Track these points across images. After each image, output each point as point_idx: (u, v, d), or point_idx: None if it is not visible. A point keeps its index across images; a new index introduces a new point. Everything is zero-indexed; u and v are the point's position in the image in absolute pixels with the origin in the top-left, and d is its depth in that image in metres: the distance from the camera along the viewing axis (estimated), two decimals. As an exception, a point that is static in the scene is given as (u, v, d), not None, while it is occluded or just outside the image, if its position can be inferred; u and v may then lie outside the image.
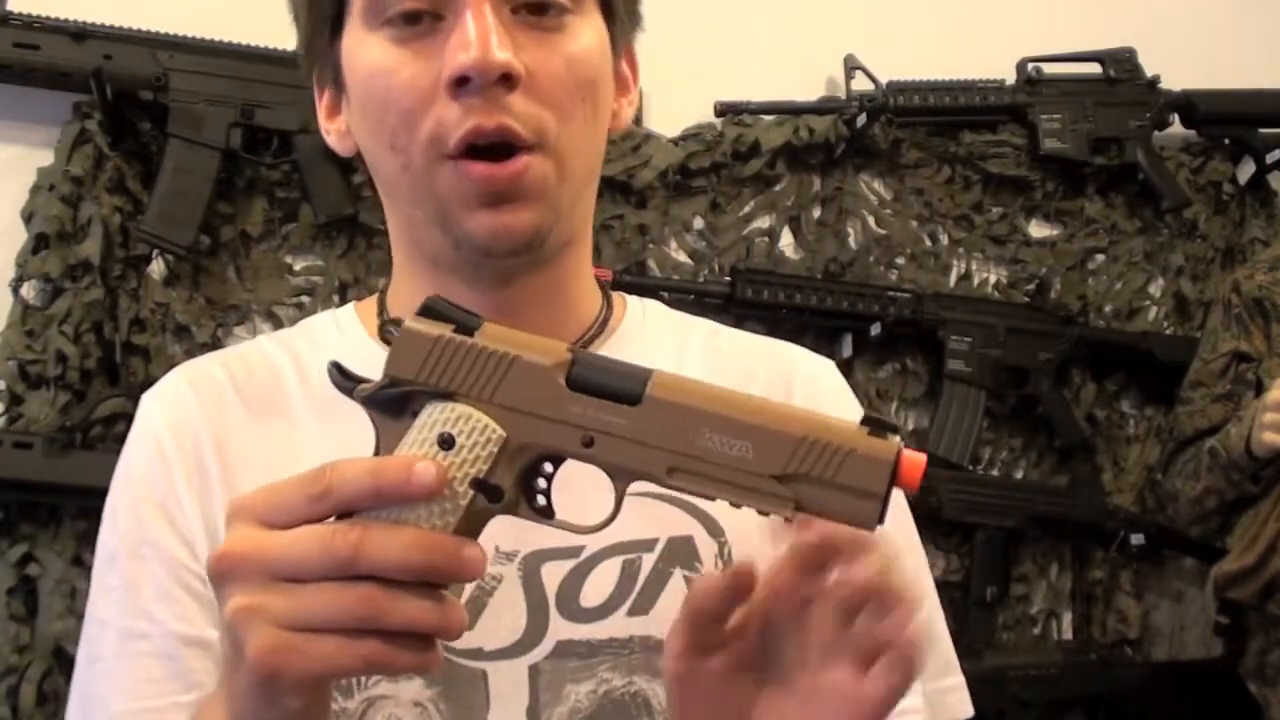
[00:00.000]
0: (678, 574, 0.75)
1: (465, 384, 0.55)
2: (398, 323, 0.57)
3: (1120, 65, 2.17)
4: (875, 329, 1.99)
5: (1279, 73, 2.22)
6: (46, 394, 1.65)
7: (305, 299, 1.81)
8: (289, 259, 1.82)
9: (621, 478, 0.56)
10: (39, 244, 1.69)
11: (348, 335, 0.82)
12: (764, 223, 2.05)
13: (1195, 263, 2.21)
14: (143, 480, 0.77)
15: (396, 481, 0.52)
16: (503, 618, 0.73)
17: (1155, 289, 2.21)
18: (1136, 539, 2.04)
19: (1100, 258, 2.20)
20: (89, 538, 1.62)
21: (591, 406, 0.55)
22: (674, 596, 0.74)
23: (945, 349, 2.03)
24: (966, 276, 2.14)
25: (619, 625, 0.74)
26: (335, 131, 0.80)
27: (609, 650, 0.73)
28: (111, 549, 0.77)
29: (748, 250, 2.02)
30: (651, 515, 0.74)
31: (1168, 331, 2.19)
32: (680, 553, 0.75)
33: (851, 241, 2.08)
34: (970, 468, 2.05)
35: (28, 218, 1.71)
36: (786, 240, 2.07)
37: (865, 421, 0.54)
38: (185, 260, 1.74)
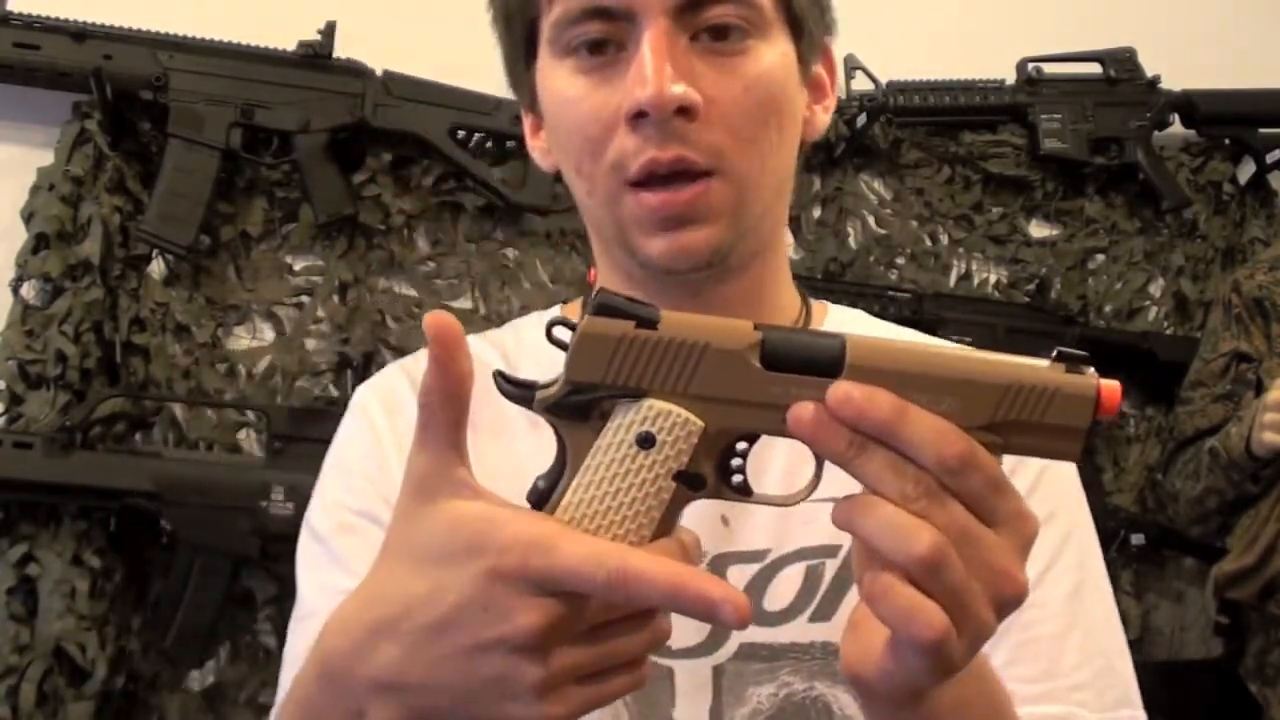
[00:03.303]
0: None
1: (656, 379, 0.54)
2: (563, 323, 0.55)
3: (1120, 65, 2.17)
4: (875, 329, 1.99)
5: (1279, 73, 2.22)
6: (46, 394, 1.65)
7: (305, 299, 1.81)
8: (289, 259, 1.82)
9: None
10: (39, 244, 1.69)
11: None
12: (764, 223, 2.04)
13: (1195, 263, 2.21)
14: (358, 458, 0.80)
15: (697, 611, 0.52)
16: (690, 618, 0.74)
17: (1155, 289, 2.21)
18: (1136, 539, 2.04)
19: (1100, 258, 2.20)
20: (89, 538, 1.62)
21: (791, 384, 0.54)
22: (855, 604, 0.73)
23: (945, 349, 2.02)
24: (966, 276, 2.14)
25: (801, 630, 0.75)
26: (539, 149, 0.83)
27: (791, 654, 0.75)
28: (321, 523, 0.80)
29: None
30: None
31: (1168, 331, 2.19)
32: None
33: (851, 241, 2.08)
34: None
35: (28, 218, 1.71)
36: (786, 240, 2.06)
37: (1059, 358, 0.55)
38: (185, 260, 1.74)
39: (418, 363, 0.84)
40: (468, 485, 0.55)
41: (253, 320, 1.80)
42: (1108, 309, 2.19)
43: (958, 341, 2.00)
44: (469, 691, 0.53)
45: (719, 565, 0.76)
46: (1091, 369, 0.55)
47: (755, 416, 0.54)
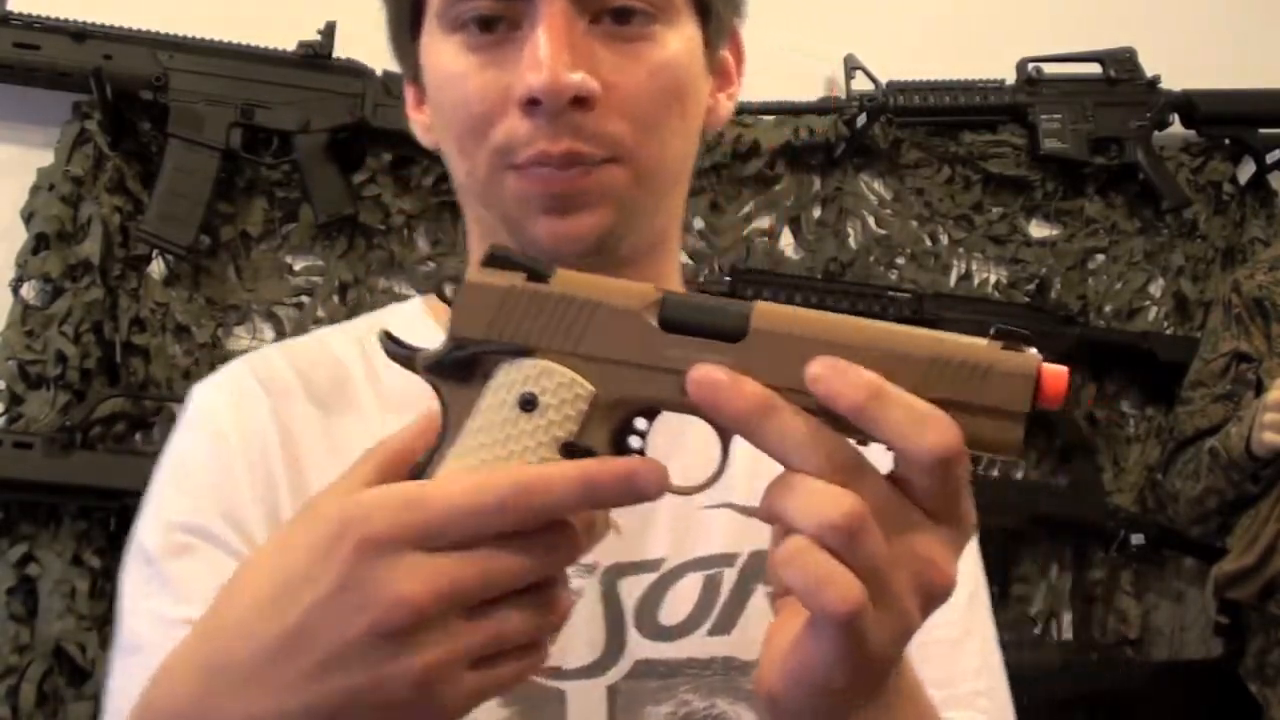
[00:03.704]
0: (759, 591, 0.72)
1: (544, 337, 0.50)
2: (457, 279, 0.51)
3: (1120, 65, 2.17)
4: (875, 329, 1.99)
5: (1279, 73, 2.22)
6: (46, 394, 1.65)
7: (305, 299, 1.81)
8: (289, 259, 1.82)
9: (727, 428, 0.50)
10: (39, 244, 1.69)
11: (416, 329, 0.75)
12: (764, 223, 2.05)
13: (1195, 263, 2.21)
14: (201, 471, 0.71)
15: (615, 491, 0.47)
16: (581, 635, 0.70)
17: (1155, 289, 2.21)
18: (1136, 539, 2.04)
19: (1100, 258, 2.20)
20: (89, 538, 1.62)
21: (690, 347, 0.49)
22: (756, 615, 0.71)
23: (945, 349, 2.03)
24: (966, 276, 2.14)
25: (700, 644, 0.71)
26: (420, 123, 0.79)
27: (690, 670, 0.70)
28: (152, 542, 0.70)
29: (748, 250, 2.02)
30: (731, 528, 0.72)
31: (1168, 331, 2.19)
32: (762, 568, 0.71)
33: (851, 241, 2.08)
34: (970, 467, 2.04)
35: (28, 218, 1.71)
36: (786, 240, 2.07)
37: (997, 335, 0.49)
38: (185, 260, 1.74)
39: (265, 360, 0.77)
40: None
41: (253, 320, 1.80)
42: (1108, 309, 2.19)
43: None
44: (335, 710, 0.47)
45: (611, 576, 0.71)
46: (1034, 349, 0.49)
47: (651, 383, 0.49)
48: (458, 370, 0.50)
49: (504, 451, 0.49)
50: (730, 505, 0.70)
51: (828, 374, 0.47)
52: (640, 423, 0.51)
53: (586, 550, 0.50)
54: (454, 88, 0.70)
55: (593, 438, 0.50)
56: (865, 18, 2.15)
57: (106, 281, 1.70)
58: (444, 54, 0.70)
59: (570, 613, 0.51)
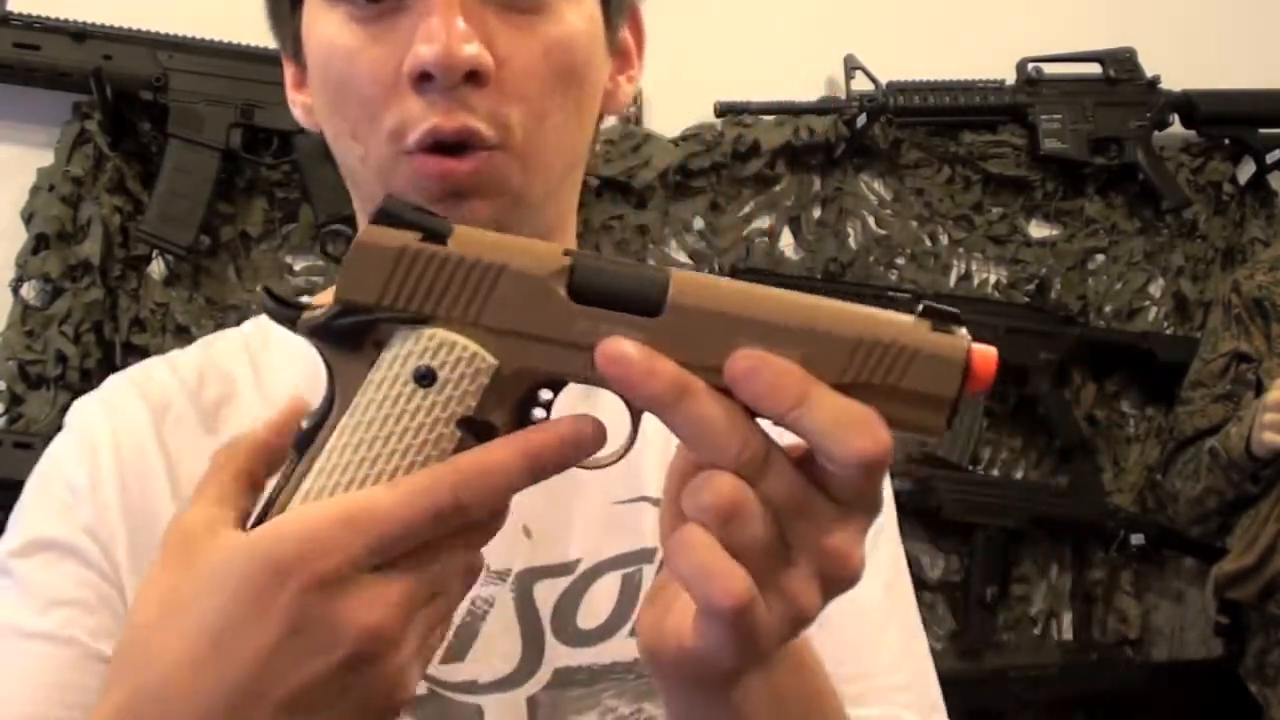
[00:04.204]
0: None
1: (442, 304, 0.45)
2: (347, 238, 0.49)
3: (1120, 65, 2.17)
4: (875, 329, 1.99)
5: (1279, 73, 2.22)
6: (46, 394, 1.65)
7: (305, 299, 1.81)
8: (289, 259, 1.82)
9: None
10: (39, 244, 1.69)
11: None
12: (764, 223, 2.05)
13: (1195, 263, 2.21)
14: (69, 488, 0.67)
15: (561, 457, 0.45)
16: (496, 646, 0.67)
17: (1155, 289, 2.21)
18: (1136, 539, 2.04)
19: (1100, 258, 2.20)
20: (89, 538, 1.62)
21: (601, 320, 0.45)
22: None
23: (945, 349, 2.03)
24: (966, 276, 2.14)
25: (622, 647, 0.67)
26: (301, 104, 0.74)
27: (613, 675, 0.67)
28: (8, 552, 0.67)
29: (748, 250, 2.02)
30: (648, 523, 0.70)
31: (1168, 331, 2.19)
32: None
33: (851, 241, 2.08)
34: (970, 468, 2.05)
35: (28, 218, 1.71)
36: (786, 240, 2.07)
37: (925, 313, 0.46)
38: (185, 260, 1.74)
39: (146, 373, 0.73)
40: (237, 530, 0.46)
41: (253, 320, 1.80)
42: (1108, 309, 2.19)
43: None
44: None
45: (525, 582, 0.67)
46: (964, 330, 0.46)
47: (558, 357, 0.46)
48: (346, 338, 0.46)
49: (398, 428, 0.46)
50: (645, 499, 0.68)
51: (750, 375, 0.45)
52: (545, 394, 0.47)
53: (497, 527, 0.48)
54: (341, 65, 0.65)
55: (493, 412, 0.46)
56: (865, 18, 2.15)
57: (106, 281, 1.70)
58: (328, 27, 0.65)
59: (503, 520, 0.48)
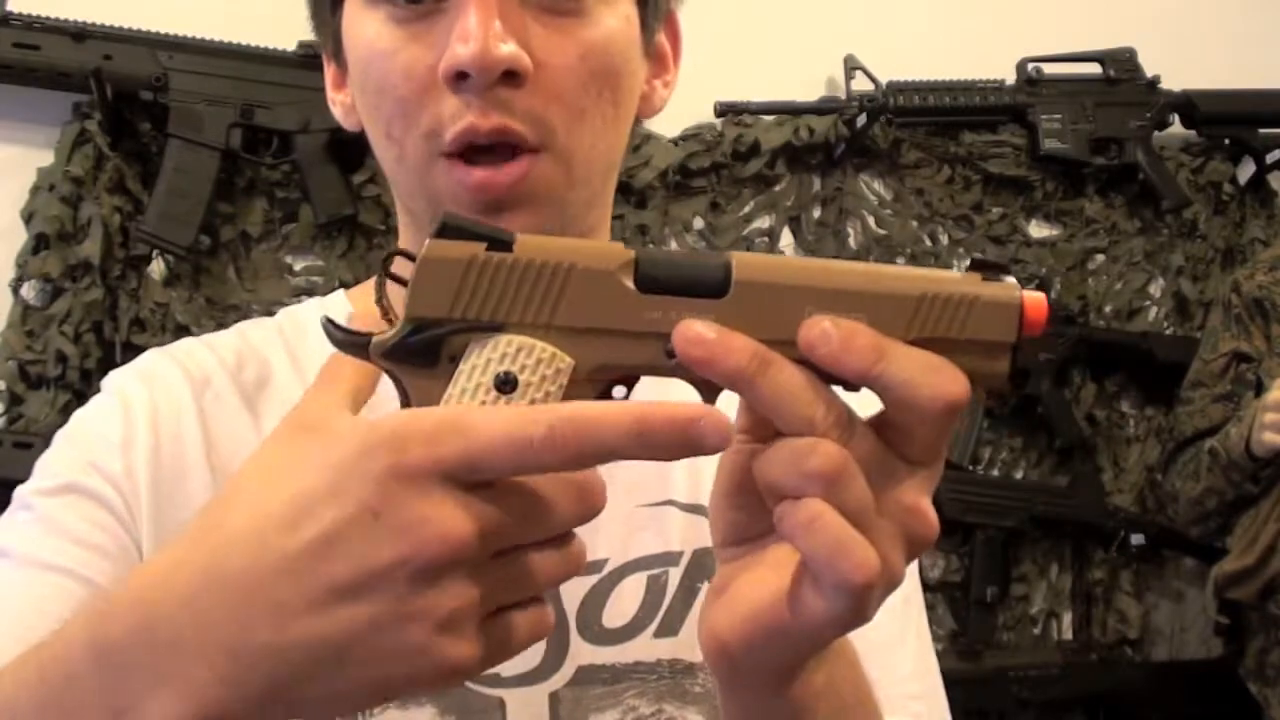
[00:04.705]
0: (704, 590, 0.69)
1: (515, 310, 0.46)
2: (408, 255, 0.46)
3: (1120, 65, 2.17)
4: (875, 329, 1.99)
5: (1279, 73, 2.22)
6: (46, 394, 1.65)
7: (305, 299, 1.81)
8: (289, 259, 1.82)
9: (713, 388, 0.47)
10: (39, 244, 1.69)
11: (335, 318, 0.76)
12: (764, 223, 2.05)
13: (1195, 263, 2.21)
14: (100, 441, 0.68)
15: (670, 439, 0.42)
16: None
17: (1155, 289, 2.21)
18: (1136, 539, 2.05)
19: (1100, 258, 2.20)
20: (89, 538, 1.62)
21: (670, 307, 0.46)
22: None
23: (945, 349, 2.03)
24: (967, 277, 2.14)
25: (645, 648, 0.68)
26: (341, 104, 0.74)
27: (635, 675, 0.68)
28: (25, 494, 0.67)
29: (747, 250, 2.02)
30: (675, 527, 0.70)
31: (1168, 331, 2.19)
32: (707, 566, 0.69)
33: (851, 241, 2.08)
34: (970, 468, 2.05)
35: (28, 218, 1.71)
36: (786, 240, 2.07)
37: (974, 266, 0.48)
38: (185, 260, 1.74)
39: (185, 350, 0.74)
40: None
41: (253, 320, 1.80)
42: (1108, 309, 2.19)
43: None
44: (342, 645, 0.41)
45: None
46: (1011, 278, 0.48)
47: (632, 349, 0.46)
48: (419, 355, 0.46)
49: None
50: (672, 503, 0.69)
51: (825, 339, 0.45)
52: (619, 390, 0.48)
53: (581, 562, 0.46)
54: (379, 66, 0.65)
55: None
56: (865, 18, 2.15)
57: (106, 281, 1.70)
58: (368, 28, 0.66)
59: (585, 558, 0.46)
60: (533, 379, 0.45)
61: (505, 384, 0.45)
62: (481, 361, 0.45)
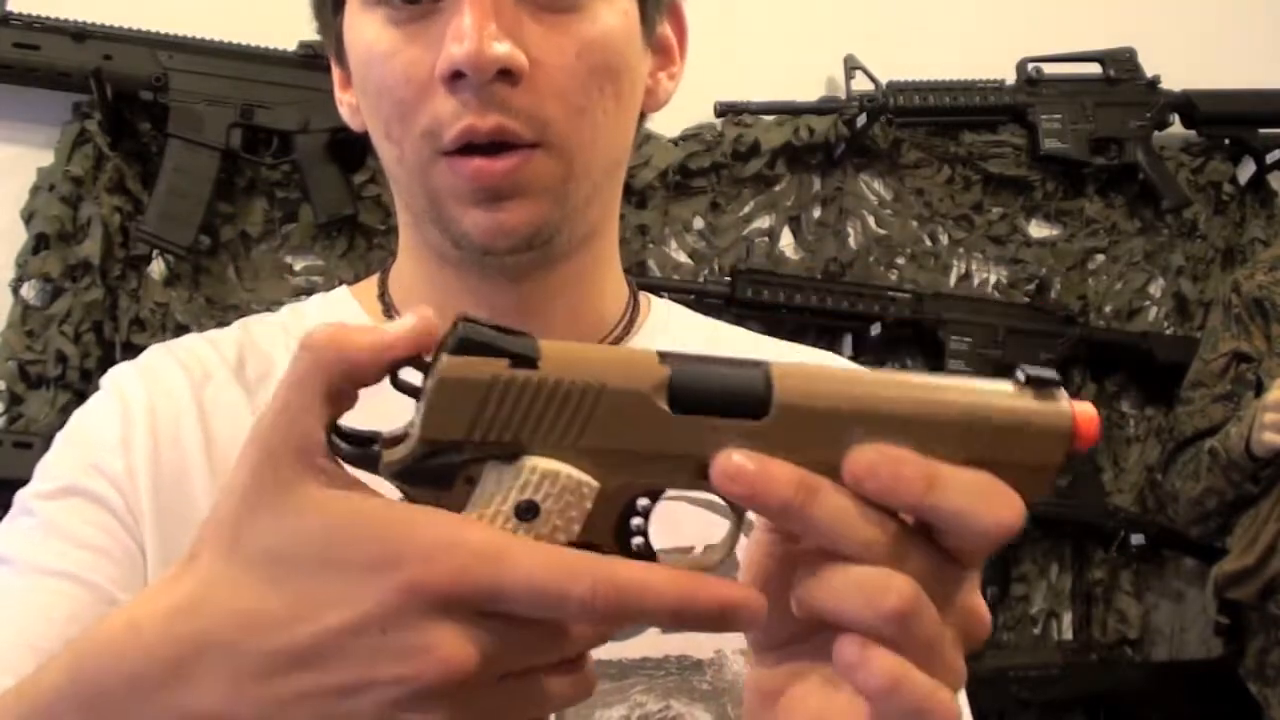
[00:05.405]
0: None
1: (538, 432, 0.42)
2: (414, 363, 0.43)
3: (1120, 65, 2.17)
4: (875, 329, 2.00)
5: (1279, 73, 2.22)
6: (46, 394, 1.65)
7: (305, 299, 1.81)
8: (289, 259, 1.82)
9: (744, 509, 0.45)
10: (39, 244, 1.69)
11: (342, 317, 0.74)
12: (764, 223, 2.05)
13: (1195, 263, 2.21)
14: (100, 443, 0.67)
15: (709, 618, 0.41)
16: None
17: (1155, 289, 2.21)
18: (1136, 539, 2.04)
19: (1100, 258, 2.20)
20: (89, 538, 1.62)
21: (705, 428, 0.43)
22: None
23: (945, 349, 2.03)
24: (966, 276, 2.14)
25: (653, 643, 0.66)
26: (347, 105, 0.74)
27: (643, 671, 0.66)
28: (26, 499, 0.67)
29: (748, 250, 2.02)
30: (684, 519, 0.68)
31: (1168, 331, 2.19)
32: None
33: (851, 241, 2.08)
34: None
35: (28, 218, 1.71)
36: (786, 240, 2.07)
37: (1028, 382, 0.46)
38: (185, 260, 1.74)
39: (185, 346, 0.73)
40: (339, 474, 0.42)
41: (253, 320, 1.80)
42: (1108, 309, 2.19)
43: (957, 341, 2.03)
44: None
45: None
46: (1062, 390, 0.46)
47: (662, 470, 0.44)
48: (434, 479, 0.42)
49: None
50: (680, 498, 0.68)
51: (874, 471, 0.43)
52: (643, 501, 0.45)
53: (589, 692, 0.45)
54: (378, 67, 0.65)
55: (596, 533, 0.44)
56: (865, 18, 2.15)
57: (106, 281, 1.70)
58: (367, 30, 0.66)
59: (594, 689, 0.44)
60: (555, 507, 0.42)
61: (527, 512, 0.42)
62: (501, 489, 0.42)
